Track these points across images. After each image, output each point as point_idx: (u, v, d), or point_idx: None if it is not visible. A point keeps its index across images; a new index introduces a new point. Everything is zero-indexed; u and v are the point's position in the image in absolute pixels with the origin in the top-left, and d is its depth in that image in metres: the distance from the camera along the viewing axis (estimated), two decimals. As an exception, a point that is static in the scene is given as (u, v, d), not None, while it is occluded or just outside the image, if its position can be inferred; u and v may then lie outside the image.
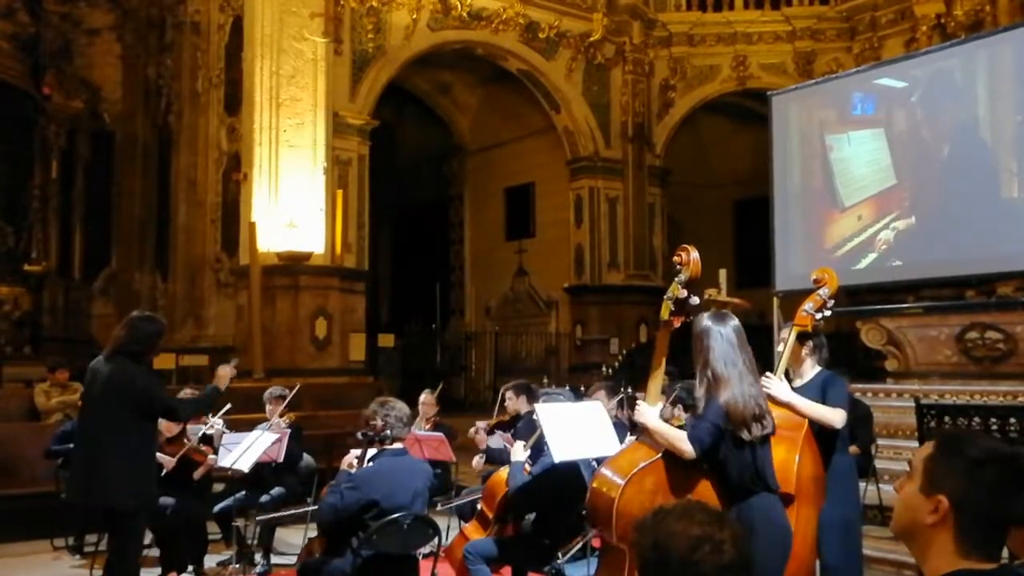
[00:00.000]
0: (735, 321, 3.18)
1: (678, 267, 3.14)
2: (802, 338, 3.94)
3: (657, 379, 3.21)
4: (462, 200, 18.44)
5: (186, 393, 6.50)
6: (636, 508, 2.93)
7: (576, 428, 4.09)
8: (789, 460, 3.34)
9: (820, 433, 3.67)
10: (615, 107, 15.61)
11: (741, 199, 17.34)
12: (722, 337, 3.10)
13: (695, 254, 3.14)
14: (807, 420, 3.57)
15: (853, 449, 5.00)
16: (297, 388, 6.35)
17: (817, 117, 8.85)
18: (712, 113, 16.58)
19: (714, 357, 3.08)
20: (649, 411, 3.13)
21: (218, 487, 6.57)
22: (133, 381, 4.17)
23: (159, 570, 5.61)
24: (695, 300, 3.11)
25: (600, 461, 4.14)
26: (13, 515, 6.58)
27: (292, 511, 5.92)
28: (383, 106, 13.80)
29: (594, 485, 3.22)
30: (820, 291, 3.94)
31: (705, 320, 3.17)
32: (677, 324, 3.16)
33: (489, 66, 15.25)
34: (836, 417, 3.71)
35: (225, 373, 4.71)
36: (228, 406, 5.88)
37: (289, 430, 5.94)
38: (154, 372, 4.39)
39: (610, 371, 12.74)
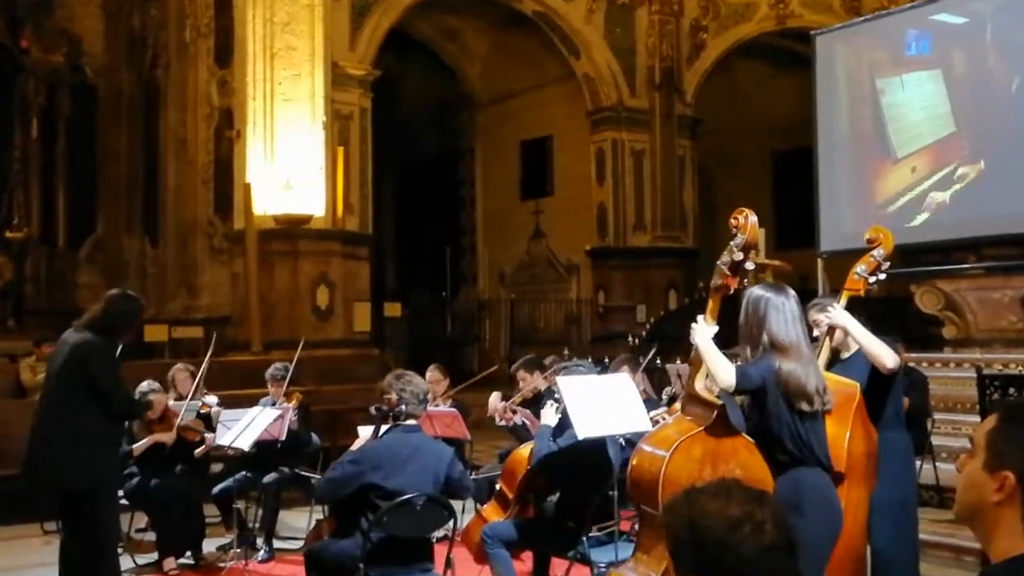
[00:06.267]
0: (794, 294, 3.28)
1: (734, 230, 3.31)
2: (853, 304, 3.88)
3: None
4: (473, 156, 18.34)
5: (178, 367, 6.56)
6: (684, 477, 3.00)
7: (602, 403, 4.07)
8: (839, 436, 3.34)
9: (869, 407, 3.64)
10: (640, 51, 15.41)
11: (781, 150, 17.19)
12: (784, 307, 3.19)
13: (753, 217, 3.31)
14: (858, 394, 3.54)
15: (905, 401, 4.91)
16: (297, 356, 6.29)
17: (866, 58, 8.68)
18: (748, 56, 16.37)
19: (774, 326, 3.16)
20: (703, 329, 3.26)
21: (216, 467, 6.65)
22: (87, 363, 4.27)
23: (155, 555, 5.71)
24: (751, 265, 3.30)
25: (628, 439, 4.15)
26: (2, 497, 6.67)
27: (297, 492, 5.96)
28: (385, 55, 13.69)
29: (635, 460, 3.32)
30: (874, 252, 3.88)
31: (762, 289, 3.27)
32: (732, 288, 3.32)
33: (501, 9, 15.06)
34: (890, 357, 3.67)
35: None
36: (207, 364, 5.86)
37: (296, 410, 5.95)
38: (114, 361, 4.40)
39: (636, 341, 12.72)
